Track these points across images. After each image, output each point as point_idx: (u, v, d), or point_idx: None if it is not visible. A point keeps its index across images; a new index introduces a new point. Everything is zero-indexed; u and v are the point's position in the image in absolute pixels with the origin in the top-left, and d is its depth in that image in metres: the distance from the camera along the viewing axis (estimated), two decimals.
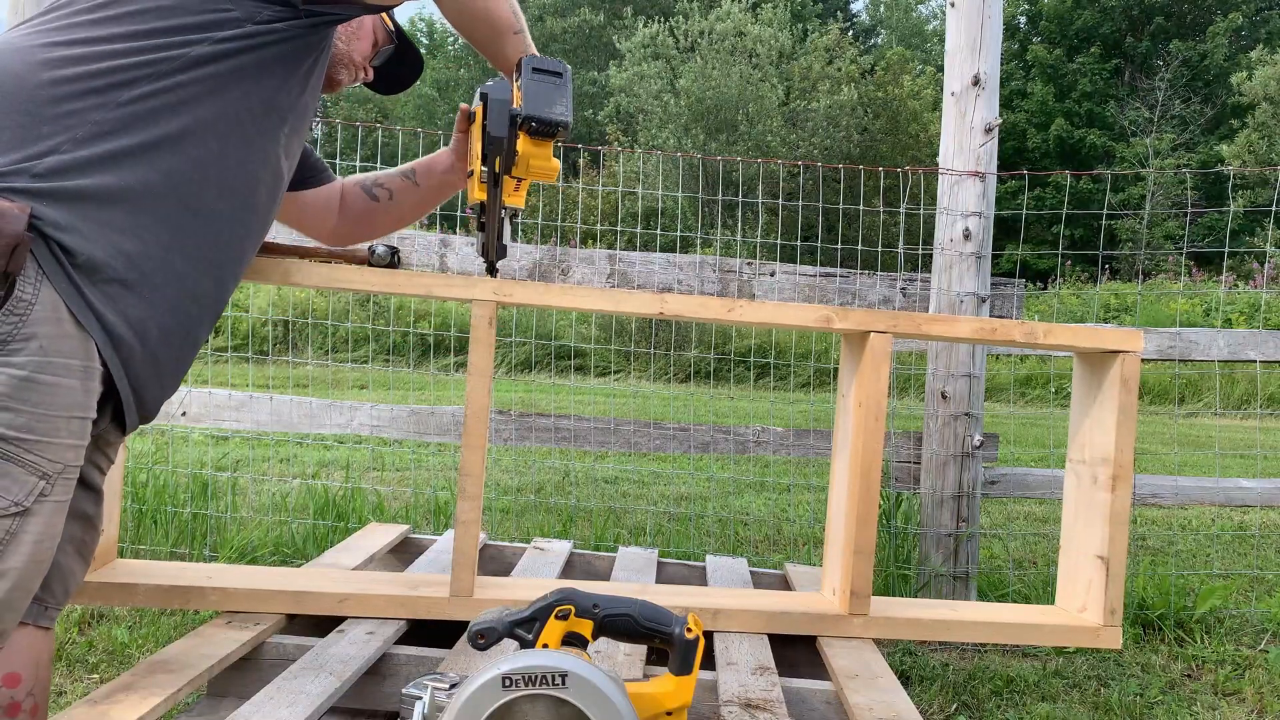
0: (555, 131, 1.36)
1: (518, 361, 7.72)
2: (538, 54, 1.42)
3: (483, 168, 1.49)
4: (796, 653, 1.80)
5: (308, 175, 1.65)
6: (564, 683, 1.04)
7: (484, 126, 1.42)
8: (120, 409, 1.22)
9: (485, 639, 1.15)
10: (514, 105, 1.37)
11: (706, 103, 17.90)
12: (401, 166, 1.75)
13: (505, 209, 1.51)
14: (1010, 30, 27.04)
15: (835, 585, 1.86)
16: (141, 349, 1.18)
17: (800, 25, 21.92)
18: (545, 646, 1.14)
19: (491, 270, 1.66)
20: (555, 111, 1.34)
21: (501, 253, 1.58)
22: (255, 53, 1.23)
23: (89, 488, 1.26)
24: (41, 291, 1.06)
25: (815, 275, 2.88)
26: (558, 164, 1.42)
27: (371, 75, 1.59)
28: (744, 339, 8.05)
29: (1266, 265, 11.59)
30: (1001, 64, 2.88)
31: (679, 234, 3.68)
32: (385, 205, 1.72)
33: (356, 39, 1.52)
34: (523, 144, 1.38)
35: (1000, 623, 1.85)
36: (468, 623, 1.59)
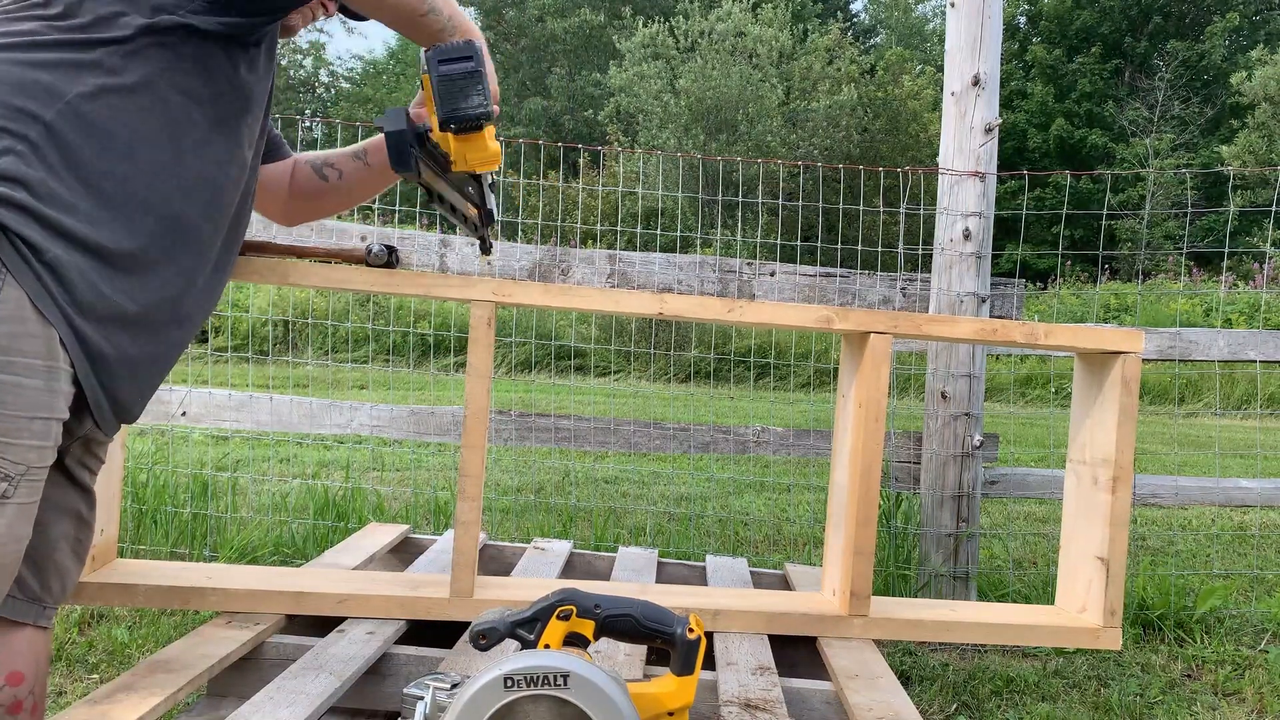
0: (480, 125, 1.25)
1: (518, 361, 7.72)
2: (447, 41, 1.28)
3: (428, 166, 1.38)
4: (796, 653, 1.80)
5: (266, 150, 1.59)
6: (566, 683, 1.04)
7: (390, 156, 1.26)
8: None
9: (487, 639, 1.15)
10: (416, 122, 1.24)
11: (706, 103, 17.89)
12: (353, 146, 1.68)
13: (477, 177, 1.41)
14: (1010, 30, 27.05)
15: (835, 585, 1.86)
16: (113, 350, 1.16)
17: (800, 25, 21.92)
18: (547, 647, 1.14)
19: (485, 246, 1.56)
20: (472, 105, 1.24)
21: (489, 219, 1.48)
22: (194, 44, 1.19)
23: (80, 488, 1.26)
24: (4, 288, 1.04)
25: (815, 275, 2.88)
26: (497, 148, 1.31)
27: (333, 10, 1.49)
28: (744, 339, 8.05)
29: (1266, 265, 11.60)
30: (1001, 64, 2.88)
31: (679, 234, 3.68)
32: (334, 185, 1.67)
33: None
34: (453, 145, 1.29)
35: (1000, 623, 1.85)
36: (468, 623, 1.59)
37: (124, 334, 1.17)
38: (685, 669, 1.18)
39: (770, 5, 19.49)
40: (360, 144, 1.68)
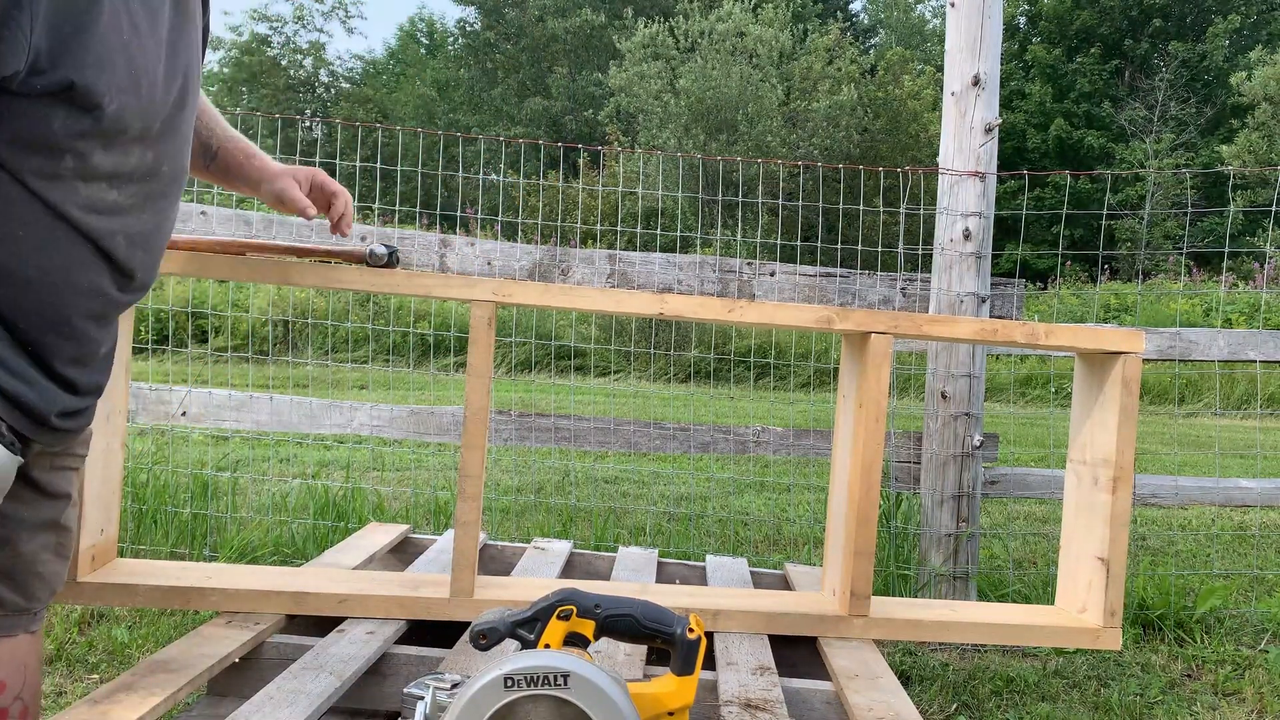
0: None
1: (518, 361, 7.73)
2: None
3: None
4: (796, 653, 1.80)
5: None
6: (566, 683, 1.04)
7: None
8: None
9: (487, 639, 1.15)
10: None
11: (706, 103, 17.89)
12: (245, 148, 1.51)
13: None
14: (1010, 30, 27.07)
15: (835, 586, 1.86)
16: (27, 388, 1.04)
17: (800, 25, 21.94)
18: (547, 647, 1.14)
19: None
20: None
21: None
22: None
23: (54, 495, 1.18)
24: None
25: (815, 275, 2.88)
26: None
27: None
28: (744, 339, 8.06)
29: (1266, 265, 11.61)
30: (1001, 64, 2.88)
31: (679, 234, 3.68)
32: (203, 161, 1.52)
33: None
34: None
35: (1000, 623, 1.85)
36: (468, 623, 1.59)
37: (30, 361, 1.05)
38: (685, 669, 1.18)
39: (770, 5, 19.50)
40: (256, 159, 1.52)
